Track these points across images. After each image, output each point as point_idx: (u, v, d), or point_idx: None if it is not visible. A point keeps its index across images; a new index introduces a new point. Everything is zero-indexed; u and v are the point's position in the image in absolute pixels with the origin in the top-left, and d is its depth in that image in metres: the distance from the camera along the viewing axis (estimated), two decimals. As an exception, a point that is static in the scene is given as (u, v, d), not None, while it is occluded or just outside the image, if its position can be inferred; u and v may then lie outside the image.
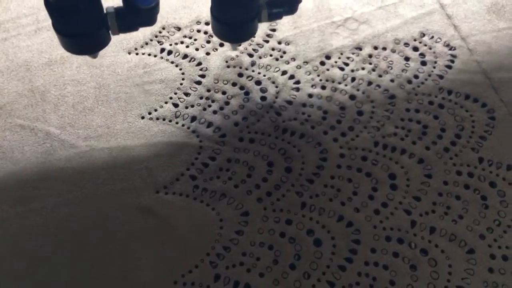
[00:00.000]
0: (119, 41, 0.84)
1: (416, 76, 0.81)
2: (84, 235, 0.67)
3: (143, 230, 0.67)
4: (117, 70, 0.81)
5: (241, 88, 0.80)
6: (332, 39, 0.85)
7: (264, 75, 0.81)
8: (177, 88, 0.80)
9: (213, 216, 0.69)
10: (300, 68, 0.82)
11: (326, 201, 0.70)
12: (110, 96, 0.79)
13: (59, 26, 0.61)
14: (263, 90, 0.80)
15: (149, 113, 0.77)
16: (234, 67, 0.82)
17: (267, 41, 0.85)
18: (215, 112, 0.78)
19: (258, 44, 0.84)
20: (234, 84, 0.80)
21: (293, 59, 0.83)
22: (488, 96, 0.79)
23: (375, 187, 0.71)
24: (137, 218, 0.68)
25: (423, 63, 0.83)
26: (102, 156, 0.73)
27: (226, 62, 0.82)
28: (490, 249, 0.67)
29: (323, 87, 0.80)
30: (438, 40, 0.85)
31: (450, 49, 0.84)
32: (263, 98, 0.79)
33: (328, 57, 0.83)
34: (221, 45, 0.84)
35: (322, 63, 0.83)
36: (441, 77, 0.81)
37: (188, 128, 0.76)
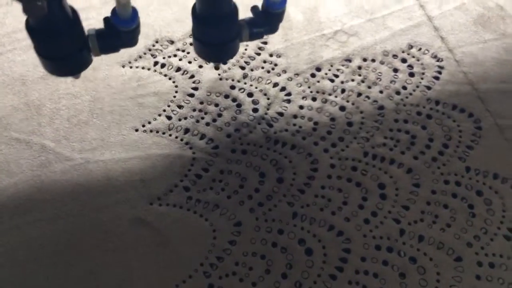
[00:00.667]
0: (113, 55, 0.85)
1: (404, 87, 0.83)
2: (79, 246, 0.68)
3: (137, 241, 0.69)
4: (111, 83, 0.83)
5: (234, 100, 0.82)
6: (322, 51, 0.87)
7: (256, 87, 0.83)
8: (171, 101, 0.81)
9: (207, 226, 0.70)
10: (291, 80, 0.84)
11: (317, 211, 0.71)
12: (105, 109, 0.80)
13: (40, 49, 0.61)
14: (255, 102, 0.81)
15: (143, 126, 0.79)
16: (227, 79, 0.84)
17: (258, 54, 0.86)
18: (208, 124, 0.79)
19: (250, 57, 0.86)
20: (226, 96, 0.82)
21: (284, 71, 0.85)
22: (475, 107, 0.81)
23: (365, 197, 0.73)
24: (132, 229, 0.69)
25: (411, 75, 0.85)
26: (97, 169, 0.74)
27: (219, 74, 0.84)
28: (477, 256, 0.68)
29: (314, 99, 0.82)
30: (426, 51, 0.87)
31: (437, 61, 0.86)
32: (255, 110, 0.81)
33: (318, 69, 0.85)
34: (214, 58, 0.86)
35: (313, 75, 0.84)
36: (428, 88, 0.83)
37: (182, 140, 0.77)
